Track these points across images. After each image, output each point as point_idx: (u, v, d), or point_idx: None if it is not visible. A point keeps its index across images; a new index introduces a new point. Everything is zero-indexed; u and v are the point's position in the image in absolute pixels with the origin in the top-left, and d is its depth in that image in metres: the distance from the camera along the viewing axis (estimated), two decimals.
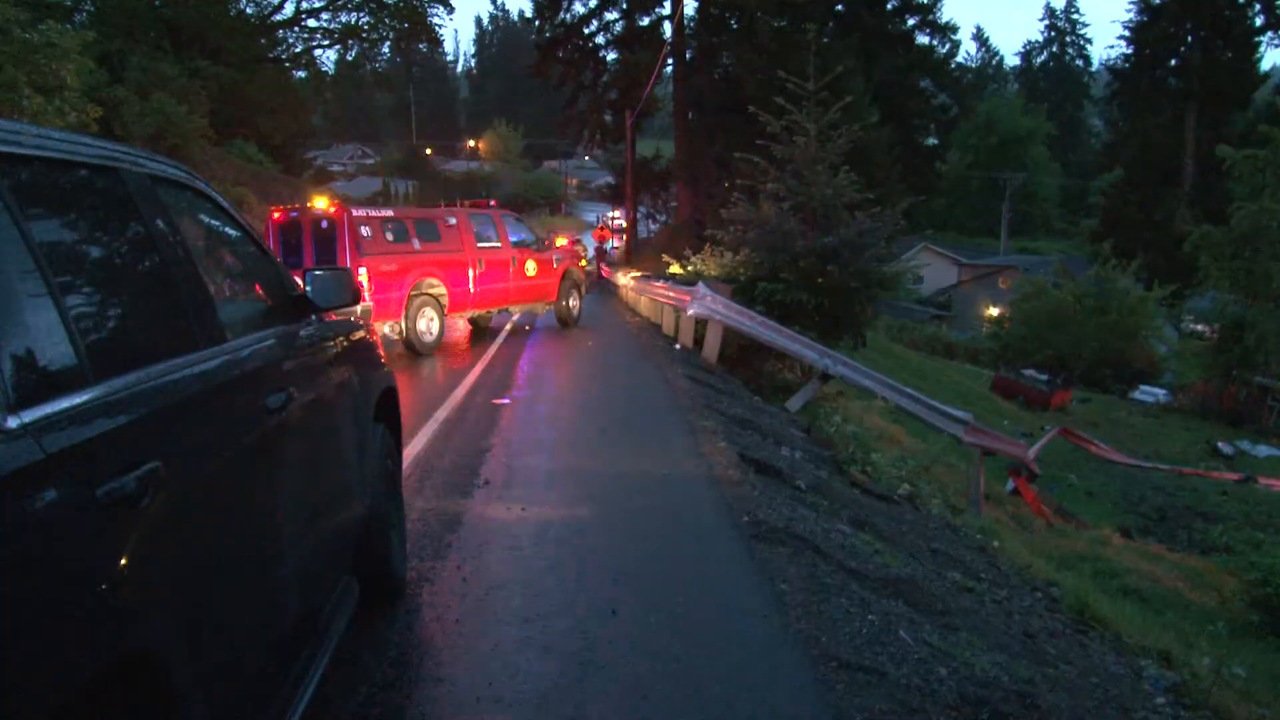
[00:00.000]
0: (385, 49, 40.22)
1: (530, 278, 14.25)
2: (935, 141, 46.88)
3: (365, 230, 11.14)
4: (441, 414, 7.91)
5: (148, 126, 18.97)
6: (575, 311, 15.81)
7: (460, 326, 14.88)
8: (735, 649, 3.38)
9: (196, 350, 2.03)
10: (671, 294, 14.67)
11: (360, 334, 3.60)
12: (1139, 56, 51.32)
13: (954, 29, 47.06)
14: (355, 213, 11.38)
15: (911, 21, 43.77)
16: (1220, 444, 22.11)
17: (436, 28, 38.55)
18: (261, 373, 2.40)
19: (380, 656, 3.25)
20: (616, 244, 41.15)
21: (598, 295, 23.31)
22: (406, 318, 11.57)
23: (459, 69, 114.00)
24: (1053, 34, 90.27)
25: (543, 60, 41.75)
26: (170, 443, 1.76)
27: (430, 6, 34.54)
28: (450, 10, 42.41)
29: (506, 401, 8.67)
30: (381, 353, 3.89)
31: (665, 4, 38.93)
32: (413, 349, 11.77)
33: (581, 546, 4.51)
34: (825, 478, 7.24)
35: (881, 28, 40.86)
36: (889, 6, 42.65)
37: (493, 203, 17.74)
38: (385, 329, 11.38)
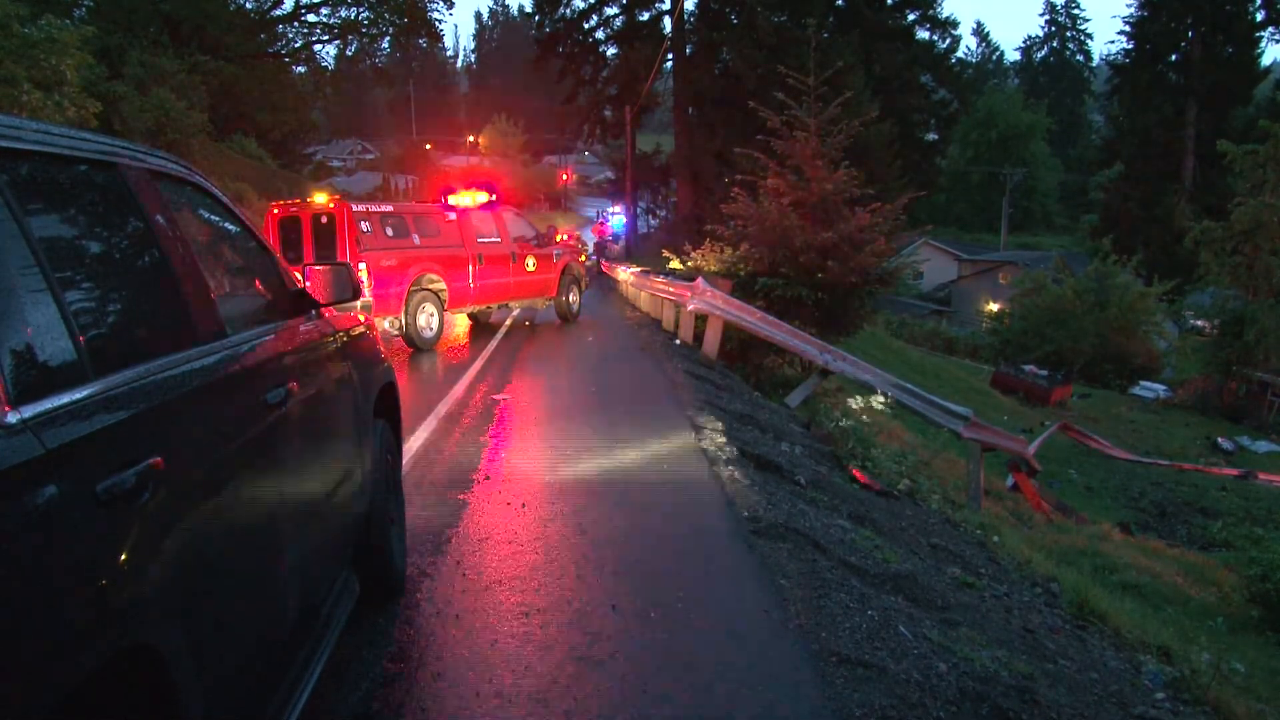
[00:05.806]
0: (385, 44, 40.22)
1: (530, 273, 14.25)
2: (935, 137, 46.88)
3: (365, 225, 11.13)
4: (442, 409, 7.91)
5: (147, 122, 18.95)
6: (575, 307, 15.81)
7: (460, 322, 14.88)
8: (735, 644, 3.39)
9: (196, 345, 2.03)
10: (671, 289, 14.65)
11: (360, 329, 3.60)
12: (1139, 51, 51.27)
13: (954, 24, 47.25)
14: (355, 208, 11.37)
15: (912, 16, 43.78)
16: (1220, 439, 22.14)
17: (436, 23, 38.46)
18: (261, 368, 2.40)
19: (380, 652, 3.26)
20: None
21: (598, 291, 23.31)
22: (406, 313, 11.55)
23: (459, 64, 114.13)
24: (1053, 29, 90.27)
25: (542, 55, 41.77)
26: (170, 438, 1.75)
27: (430, 2, 34.51)
28: (450, 5, 42.49)
29: (506, 397, 8.67)
30: (382, 348, 3.88)
31: None
32: (412, 344, 11.76)
33: (581, 542, 4.51)
34: (825, 473, 7.24)
35: (882, 23, 40.82)
36: (889, 2, 42.62)
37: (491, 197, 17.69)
38: (385, 324, 11.37)
